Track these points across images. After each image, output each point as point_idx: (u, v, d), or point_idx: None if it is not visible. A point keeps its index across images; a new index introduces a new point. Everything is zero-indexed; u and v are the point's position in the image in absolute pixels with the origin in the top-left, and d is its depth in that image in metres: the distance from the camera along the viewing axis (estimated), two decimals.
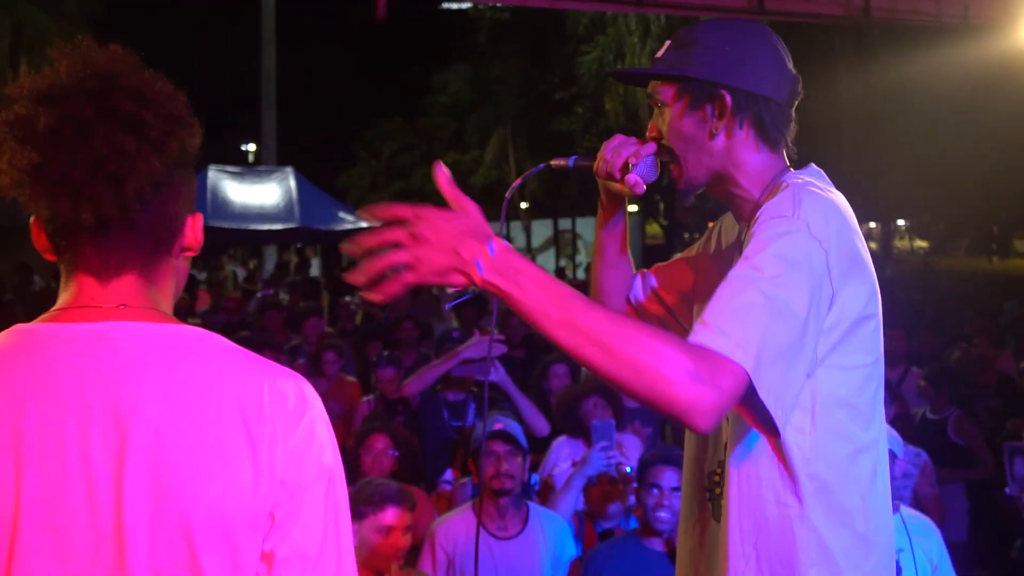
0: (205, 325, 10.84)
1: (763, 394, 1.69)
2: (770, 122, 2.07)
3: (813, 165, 2.13)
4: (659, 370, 1.63)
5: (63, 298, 1.47)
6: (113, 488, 1.35)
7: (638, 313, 2.45)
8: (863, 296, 1.91)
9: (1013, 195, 28.56)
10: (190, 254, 1.59)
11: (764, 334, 1.71)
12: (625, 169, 2.15)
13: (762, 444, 1.91)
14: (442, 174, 1.80)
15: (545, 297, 1.69)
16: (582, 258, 41.81)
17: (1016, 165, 22.40)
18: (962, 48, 8.96)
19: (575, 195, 39.79)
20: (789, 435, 1.84)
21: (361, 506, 3.55)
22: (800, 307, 1.76)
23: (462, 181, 36.97)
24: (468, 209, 1.76)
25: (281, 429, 1.42)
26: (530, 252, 38.07)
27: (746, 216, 2.10)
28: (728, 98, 2.04)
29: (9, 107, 1.41)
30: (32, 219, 1.48)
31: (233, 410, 1.40)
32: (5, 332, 1.45)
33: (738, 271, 1.81)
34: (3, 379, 1.38)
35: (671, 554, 3.90)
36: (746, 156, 2.09)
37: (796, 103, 2.14)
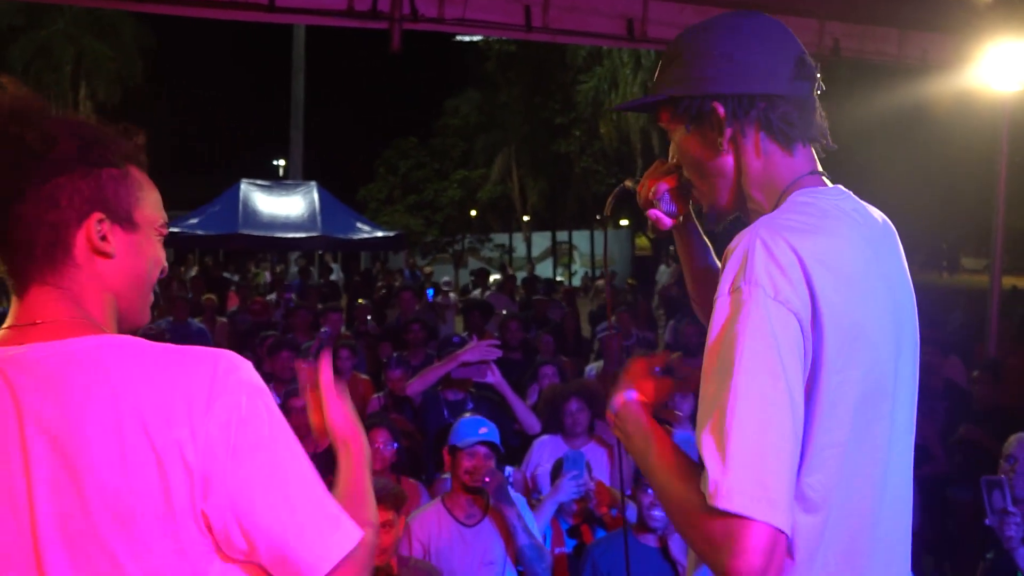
0: (232, 324, 10.86)
1: (784, 526, 1.40)
2: (778, 120, 1.64)
3: (840, 187, 1.70)
4: (694, 539, 1.48)
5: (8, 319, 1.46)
6: (26, 507, 1.32)
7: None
8: (838, 357, 1.50)
9: (961, 218, 28.71)
10: (105, 258, 1.48)
11: (758, 461, 1.41)
12: (648, 204, 1.93)
13: None
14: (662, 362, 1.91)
15: (637, 449, 1.71)
16: (577, 267, 41.82)
17: (965, 191, 22.46)
18: (920, 86, 8.93)
19: (572, 210, 39.85)
20: None
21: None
22: (780, 399, 1.44)
23: (470, 196, 37.29)
24: (644, 386, 1.82)
25: (186, 428, 1.33)
26: (530, 261, 37.97)
27: None
28: (720, 109, 1.65)
29: None
30: None
31: (133, 419, 1.32)
32: None
33: (710, 381, 1.48)
34: None
35: (664, 550, 3.86)
36: (758, 164, 1.68)
37: (815, 86, 1.69)
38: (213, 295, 11.75)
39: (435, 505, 4.10)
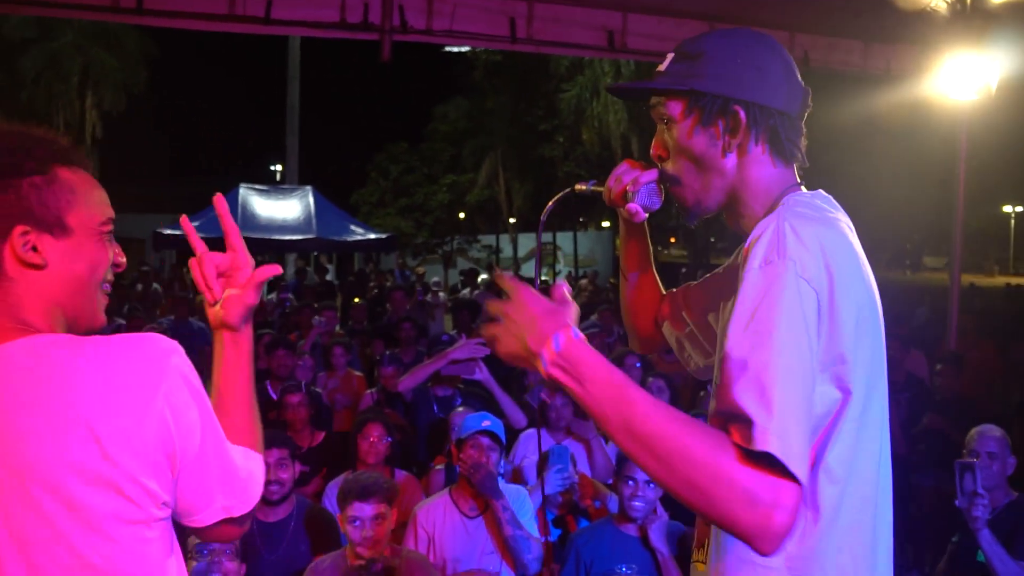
0: None
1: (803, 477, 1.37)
2: (785, 136, 1.67)
3: (821, 191, 1.72)
4: (717, 496, 1.34)
5: None
6: None
7: (664, 332, 2.11)
8: (854, 336, 1.51)
9: (923, 220, 28.94)
10: (36, 269, 1.43)
11: (792, 417, 1.36)
12: (625, 197, 1.86)
13: None
14: (560, 286, 1.58)
15: (604, 398, 1.43)
16: (561, 267, 41.84)
17: (926, 195, 22.60)
18: (883, 94, 8.97)
19: (556, 211, 39.90)
20: None
21: (339, 503, 3.57)
22: (805, 366, 1.41)
23: (459, 199, 37.17)
24: (556, 296, 1.55)
25: (128, 419, 1.33)
26: (515, 262, 37.98)
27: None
28: (742, 113, 1.65)
29: None
30: None
31: (75, 419, 1.31)
32: None
33: (741, 341, 1.42)
34: None
35: (644, 539, 3.86)
36: (757, 174, 1.69)
37: (806, 115, 1.74)
38: None
39: (442, 496, 4.07)
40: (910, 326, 10.68)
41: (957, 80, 6.90)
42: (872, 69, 7.54)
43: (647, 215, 1.91)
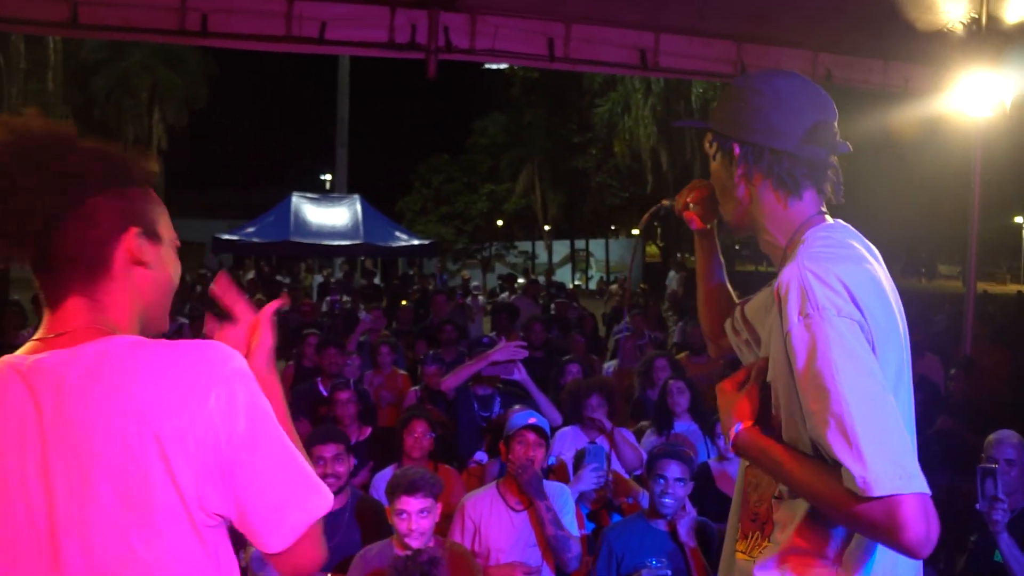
0: (282, 322, 10.90)
1: (911, 488, 1.51)
2: (783, 173, 1.78)
3: (840, 221, 1.84)
4: (857, 528, 1.60)
5: (40, 329, 1.43)
6: (45, 503, 1.31)
7: (729, 337, 2.20)
8: (893, 354, 1.68)
9: (938, 229, 28.55)
10: (142, 269, 1.46)
11: (878, 441, 1.51)
12: (687, 207, 2.12)
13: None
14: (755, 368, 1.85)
15: (766, 466, 1.73)
16: (593, 272, 41.76)
17: (941, 206, 22.31)
18: (902, 110, 8.85)
19: (589, 220, 39.81)
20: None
21: (388, 496, 3.55)
22: (875, 387, 1.56)
23: (497, 207, 37.16)
24: (746, 393, 1.81)
25: (187, 420, 1.32)
26: (551, 267, 37.95)
27: (777, 262, 1.84)
28: (736, 150, 1.81)
29: None
30: None
31: (136, 417, 1.30)
32: None
33: (815, 397, 1.57)
34: None
35: (673, 534, 3.83)
36: (770, 205, 1.82)
37: (831, 150, 1.81)
38: (264, 295, 11.79)
39: (490, 489, 4.04)
40: (928, 332, 10.51)
41: (973, 97, 6.80)
42: (891, 86, 7.46)
43: (702, 224, 2.13)
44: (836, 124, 1.85)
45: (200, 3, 5.60)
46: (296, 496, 1.39)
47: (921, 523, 1.48)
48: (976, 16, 6.35)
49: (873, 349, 1.60)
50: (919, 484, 1.50)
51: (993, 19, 6.33)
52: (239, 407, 1.35)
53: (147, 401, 1.30)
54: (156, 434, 1.30)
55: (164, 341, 1.39)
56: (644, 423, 5.67)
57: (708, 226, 2.17)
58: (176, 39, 5.99)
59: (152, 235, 1.48)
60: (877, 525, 1.50)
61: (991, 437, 4.24)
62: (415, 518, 3.39)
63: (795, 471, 1.65)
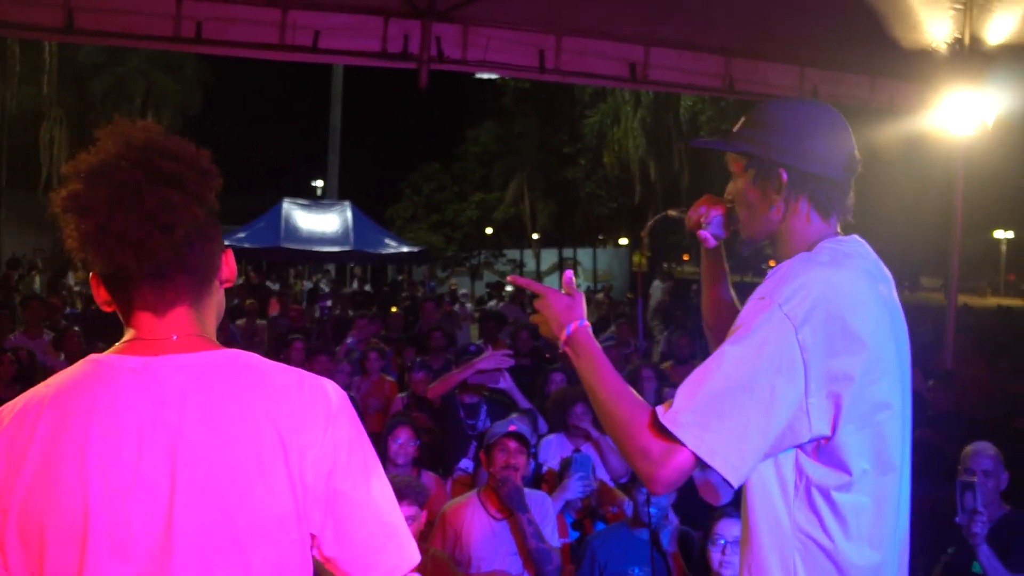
0: (272, 327, 10.83)
1: (712, 461, 1.62)
2: (824, 198, 1.87)
3: (856, 236, 1.93)
4: (628, 447, 1.71)
5: (128, 333, 1.42)
6: (166, 499, 1.29)
7: None
8: (855, 366, 1.67)
9: (921, 243, 28.72)
10: (228, 285, 1.53)
11: (714, 412, 1.63)
12: (699, 226, 2.11)
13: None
14: (567, 275, 2.02)
15: (586, 368, 1.85)
16: (580, 281, 41.75)
17: (923, 220, 22.44)
18: (888, 127, 8.90)
19: (577, 229, 39.87)
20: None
21: None
22: (756, 383, 1.63)
23: (486, 215, 37.14)
24: (574, 296, 1.95)
25: (309, 437, 1.36)
26: (539, 275, 37.95)
27: None
28: (784, 175, 1.87)
29: (66, 185, 1.35)
30: (91, 276, 1.43)
31: (267, 424, 1.34)
32: (81, 361, 1.40)
33: (714, 354, 1.70)
34: (76, 402, 1.33)
35: (655, 542, 3.82)
36: (798, 226, 1.90)
37: (854, 174, 1.92)
38: (255, 301, 11.74)
39: (471, 497, 4.01)
40: (914, 344, 10.54)
41: (956, 116, 6.85)
42: (877, 103, 7.51)
43: (716, 242, 2.14)
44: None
45: (195, 11, 5.59)
46: (393, 541, 1.42)
47: (676, 472, 1.64)
48: (960, 37, 6.40)
49: (804, 359, 1.64)
50: (709, 453, 1.62)
51: (976, 40, 6.38)
52: (350, 441, 1.40)
53: (279, 412, 1.35)
54: (283, 443, 1.33)
55: (281, 365, 1.43)
56: None
57: (718, 244, 2.20)
58: (171, 46, 5.98)
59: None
60: (647, 451, 1.66)
61: (968, 449, 4.25)
62: None
63: (607, 382, 1.80)
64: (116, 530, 1.28)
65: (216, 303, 1.50)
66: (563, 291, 1.96)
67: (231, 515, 1.30)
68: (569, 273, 2.01)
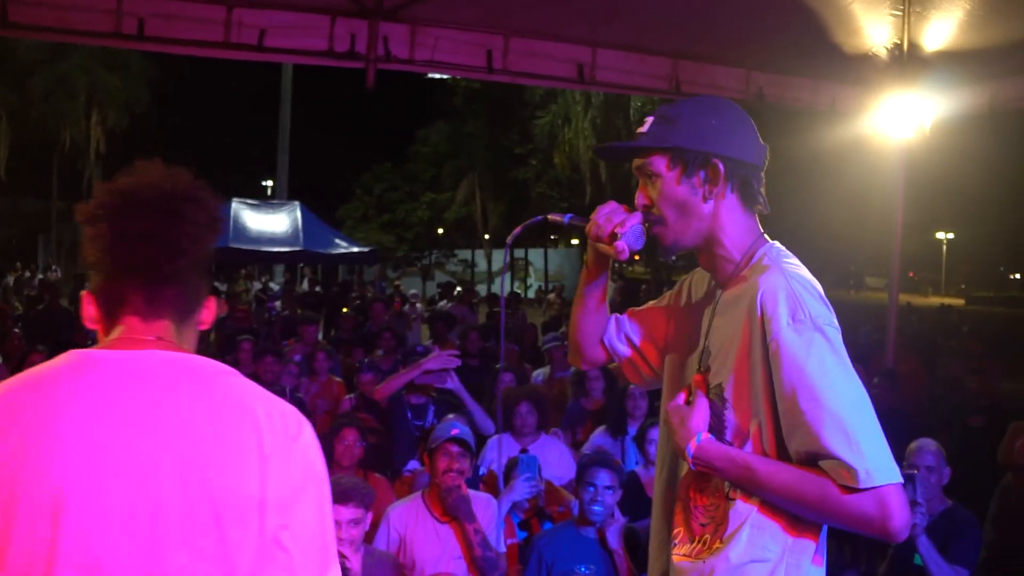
0: (219, 329, 10.74)
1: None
2: (753, 188, 1.86)
3: (777, 243, 1.92)
4: (844, 523, 1.67)
5: (113, 333, 1.48)
6: (148, 476, 1.32)
7: (611, 352, 2.21)
8: None
9: (866, 243, 29.22)
10: (203, 327, 1.58)
11: (878, 440, 1.66)
12: (613, 236, 1.91)
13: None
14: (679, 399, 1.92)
15: (736, 476, 1.78)
16: (532, 281, 41.84)
17: (868, 221, 22.86)
18: (831, 130, 9.05)
19: (531, 229, 39.94)
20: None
21: None
22: (861, 389, 1.71)
23: (437, 216, 37.04)
24: (697, 407, 1.85)
25: (282, 441, 1.40)
26: (490, 275, 37.95)
27: (725, 277, 1.91)
28: (721, 165, 1.82)
29: (99, 198, 1.47)
30: (83, 294, 1.52)
31: (246, 421, 1.39)
32: (65, 354, 1.44)
33: (810, 397, 1.67)
34: (58, 388, 1.37)
35: (602, 541, 3.83)
36: (731, 220, 1.86)
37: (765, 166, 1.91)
38: None
39: (415, 499, 3.97)
40: (857, 343, 10.72)
41: (896, 119, 6.98)
42: (820, 106, 7.61)
43: (629, 254, 1.96)
44: None
45: (137, 7, 5.47)
46: (325, 561, 1.45)
47: (906, 510, 1.62)
48: (899, 42, 6.52)
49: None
50: (899, 475, 1.64)
51: (914, 45, 6.50)
52: (315, 469, 1.44)
53: (261, 417, 1.40)
54: (261, 446, 1.37)
55: (254, 383, 1.49)
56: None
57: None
58: (111, 42, 5.84)
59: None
60: (869, 515, 1.61)
61: (912, 445, 4.35)
62: (345, 528, 3.34)
63: (773, 474, 1.72)
64: (94, 506, 1.31)
65: (194, 335, 1.56)
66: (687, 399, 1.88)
67: (212, 494, 1.33)
68: (682, 396, 1.91)
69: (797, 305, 1.71)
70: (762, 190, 1.90)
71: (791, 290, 1.73)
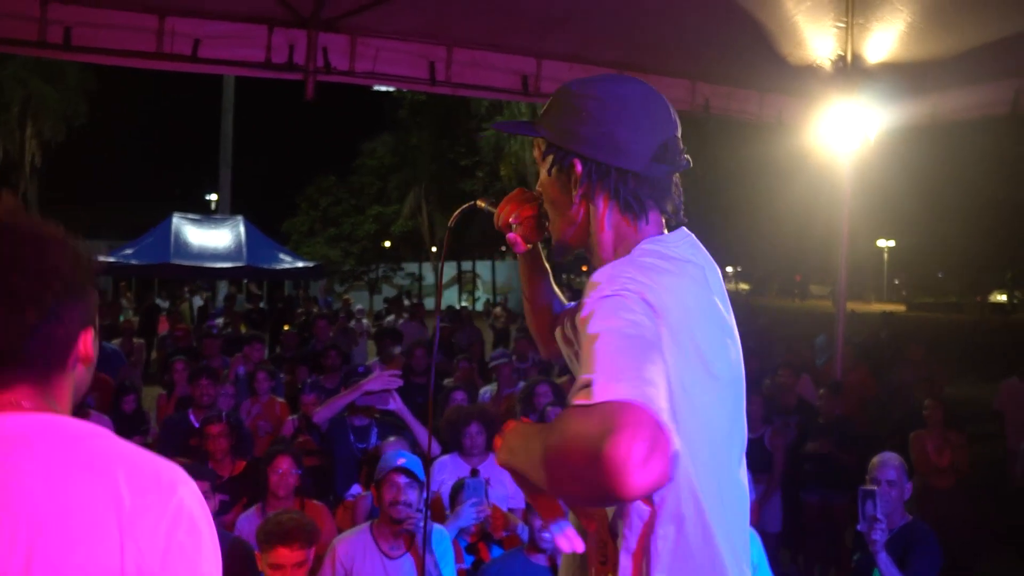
0: (160, 348, 10.49)
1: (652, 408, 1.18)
2: (629, 194, 1.57)
3: (684, 229, 1.63)
4: (566, 465, 1.19)
5: None
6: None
7: (563, 350, 1.91)
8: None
9: (810, 253, 29.72)
10: (85, 364, 1.44)
11: (635, 366, 1.23)
12: (508, 228, 1.79)
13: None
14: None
15: (521, 449, 1.42)
16: (479, 293, 41.74)
17: (812, 231, 23.22)
18: (777, 141, 9.12)
19: (476, 241, 39.94)
20: None
21: (260, 543, 3.32)
22: (645, 332, 1.32)
23: (384, 229, 36.85)
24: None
25: (149, 506, 1.27)
26: (438, 288, 37.77)
27: None
28: (579, 167, 1.57)
29: None
30: None
31: (103, 488, 1.26)
32: None
33: (584, 340, 1.33)
34: None
35: (554, 568, 3.71)
36: (606, 226, 1.60)
37: (672, 167, 1.60)
38: (147, 319, 11.33)
39: (362, 531, 3.81)
40: (810, 353, 10.75)
41: (840, 130, 7.04)
42: (766, 117, 7.64)
43: (527, 246, 1.83)
44: (680, 138, 1.64)
45: (63, 15, 5.25)
46: None
47: (638, 435, 1.10)
48: (842, 54, 6.57)
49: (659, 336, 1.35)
50: (649, 400, 1.17)
51: (858, 57, 6.55)
52: (194, 532, 1.31)
53: (122, 488, 1.26)
54: (120, 522, 1.24)
55: (127, 442, 1.36)
56: None
57: (530, 246, 1.87)
58: (37, 52, 5.60)
59: (96, 332, 1.47)
60: (590, 435, 1.12)
61: (875, 459, 4.34)
62: (291, 571, 3.19)
63: (537, 436, 1.33)
64: None
65: (73, 382, 1.43)
66: None
67: (63, 572, 1.21)
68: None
69: (606, 283, 1.41)
70: (667, 196, 1.62)
71: (608, 273, 1.45)
